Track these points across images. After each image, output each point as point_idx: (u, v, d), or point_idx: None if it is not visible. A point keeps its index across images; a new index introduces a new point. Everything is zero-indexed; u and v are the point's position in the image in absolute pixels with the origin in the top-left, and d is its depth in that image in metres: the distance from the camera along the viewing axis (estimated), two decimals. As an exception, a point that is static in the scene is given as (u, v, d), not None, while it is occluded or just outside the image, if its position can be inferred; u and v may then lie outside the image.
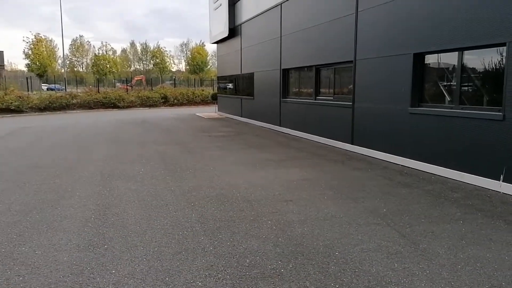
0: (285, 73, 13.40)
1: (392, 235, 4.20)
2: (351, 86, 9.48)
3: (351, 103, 9.46)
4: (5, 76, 41.64)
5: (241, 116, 18.26)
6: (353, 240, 4.07)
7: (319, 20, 10.75)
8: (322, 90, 11.47)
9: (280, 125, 13.78)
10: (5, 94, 25.09)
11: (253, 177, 6.86)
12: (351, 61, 9.33)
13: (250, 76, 16.61)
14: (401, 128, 7.87)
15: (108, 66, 67.71)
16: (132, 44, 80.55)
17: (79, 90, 37.05)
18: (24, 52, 61.47)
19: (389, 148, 8.21)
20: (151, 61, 76.51)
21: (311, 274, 3.34)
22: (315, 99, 11.50)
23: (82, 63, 76.57)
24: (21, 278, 3.26)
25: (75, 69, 74.45)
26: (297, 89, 13.11)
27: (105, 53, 70.04)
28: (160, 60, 74.01)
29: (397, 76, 7.90)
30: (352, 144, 9.50)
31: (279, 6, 13.19)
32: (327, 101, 10.82)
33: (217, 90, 24.43)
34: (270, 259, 3.62)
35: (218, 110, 22.76)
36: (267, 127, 14.84)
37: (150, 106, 30.35)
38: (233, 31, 18.32)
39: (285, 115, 13.44)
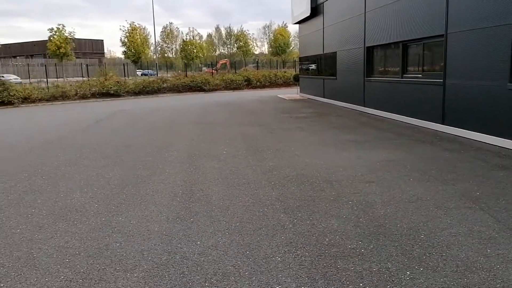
0: (370, 50, 12.85)
1: (485, 219, 3.90)
2: (442, 62, 8.82)
3: (441, 80, 8.82)
4: (105, 63, 45.33)
5: (323, 97, 17.97)
6: (441, 223, 3.85)
7: (407, -8, 10.10)
8: (409, 67, 10.84)
9: (364, 105, 13.33)
10: (105, 80, 27.31)
11: (335, 158, 6.76)
12: (442, 35, 8.66)
13: (333, 56, 16.20)
14: (498, 106, 7.18)
15: (195, 51, 70.34)
16: (217, 29, 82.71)
17: (169, 75, 39.10)
18: (121, 40, 66.26)
19: (484, 128, 7.56)
20: (235, 44, 77.99)
21: (393, 255, 3.24)
22: (402, 77, 10.91)
23: (172, 49, 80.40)
24: (118, 245, 3.60)
25: (166, 54, 78.45)
26: (382, 68, 12.54)
27: (192, 38, 72.75)
28: (243, 43, 75.13)
29: (494, 50, 7.17)
30: (442, 123, 8.89)
31: (364, -20, 12.61)
32: (415, 79, 10.20)
33: (299, 71, 24.24)
34: (350, 239, 3.57)
35: (300, 92, 22.62)
36: (350, 107, 14.45)
37: (234, 88, 31.09)
38: (315, 10, 17.92)
39: (369, 95, 12.95)
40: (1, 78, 28.00)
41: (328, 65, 17.05)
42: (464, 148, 7.15)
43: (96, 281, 2.97)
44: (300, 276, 2.97)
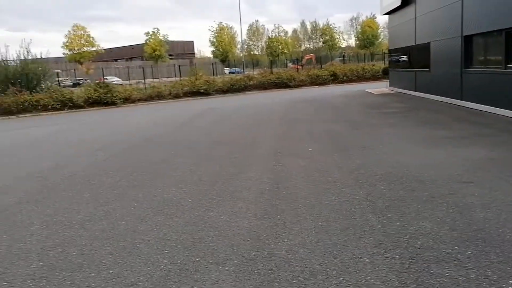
0: (468, 40, 11.89)
1: None
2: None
3: (555, 70, 7.90)
4: (195, 63, 47.61)
5: (415, 91, 17.02)
6: (551, 230, 3.49)
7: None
8: (514, 56, 9.84)
9: (461, 99, 12.38)
10: (196, 79, 28.68)
11: (427, 156, 6.41)
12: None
13: (426, 47, 15.27)
14: None
15: (280, 47, 70.90)
16: (302, 24, 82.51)
17: (255, 72, 39.89)
18: (209, 40, 69.06)
19: None
20: (321, 39, 77.08)
21: (494, 262, 3.01)
22: (505, 68, 9.94)
23: (258, 46, 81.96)
24: (210, 239, 3.81)
25: (252, 52, 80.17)
26: (482, 57, 11.54)
27: (277, 35, 73.40)
28: (329, 37, 73.97)
29: None
30: (555, 118, 7.97)
31: (461, -36, 11.70)
32: (522, 69, 9.24)
33: (388, 64, 23.23)
34: (445, 243, 3.39)
35: (390, 85, 21.67)
36: (446, 101, 13.51)
37: (320, 84, 30.74)
38: (406, -1, 17.02)
39: (467, 87, 12.00)
40: (105, 80, 30.78)
41: (421, 56, 16.11)
42: None
43: (191, 272, 3.18)
44: (390, 279, 2.90)
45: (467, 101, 11.96)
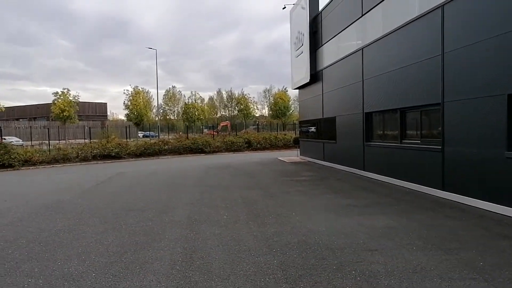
0: (368, 116, 13.19)
1: (491, 292, 3.81)
2: (440, 128, 9.02)
3: (440, 147, 8.97)
4: (107, 126, 46.12)
5: (323, 160, 18.12)
6: (446, 296, 3.76)
7: (402, 63, 10.57)
8: (408, 132, 11.06)
9: (363, 170, 13.42)
10: (107, 142, 27.67)
11: (336, 224, 6.71)
12: (439, 104, 8.94)
13: (332, 120, 16.58)
14: (497, 173, 7.24)
15: (196, 113, 72.00)
16: (219, 92, 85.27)
17: (170, 137, 39.67)
18: (124, 103, 67.94)
19: (485, 195, 7.57)
20: (236, 107, 79.96)
21: (399, 331, 3.14)
22: (401, 143, 11.09)
23: (174, 111, 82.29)
24: (115, 317, 3.49)
25: (168, 117, 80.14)
26: (381, 132, 12.79)
27: (194, 101, 74.72)
28: (244, 106, 77.06)
29: (489, 118, 7.39)
30: (442, 190, 8.91)
31: (361, 50, 13.24)
32: (414, 145, 10.37)
33: (299, 134, 24.65)
34: (354, 313, 3.47)
35: (300, 154, 22.84)
36: (350, 171, 14.53)
37: (235, 150, 31.39)
38: (315, 76, 18.62)
39: (369, 159, 13.09)
40: (3, 140, 28.37)
41: (328, 129, 17.40)
42: (466, 216, 7.11)
43: None
44: None
45: (368, 171, 12.98)
